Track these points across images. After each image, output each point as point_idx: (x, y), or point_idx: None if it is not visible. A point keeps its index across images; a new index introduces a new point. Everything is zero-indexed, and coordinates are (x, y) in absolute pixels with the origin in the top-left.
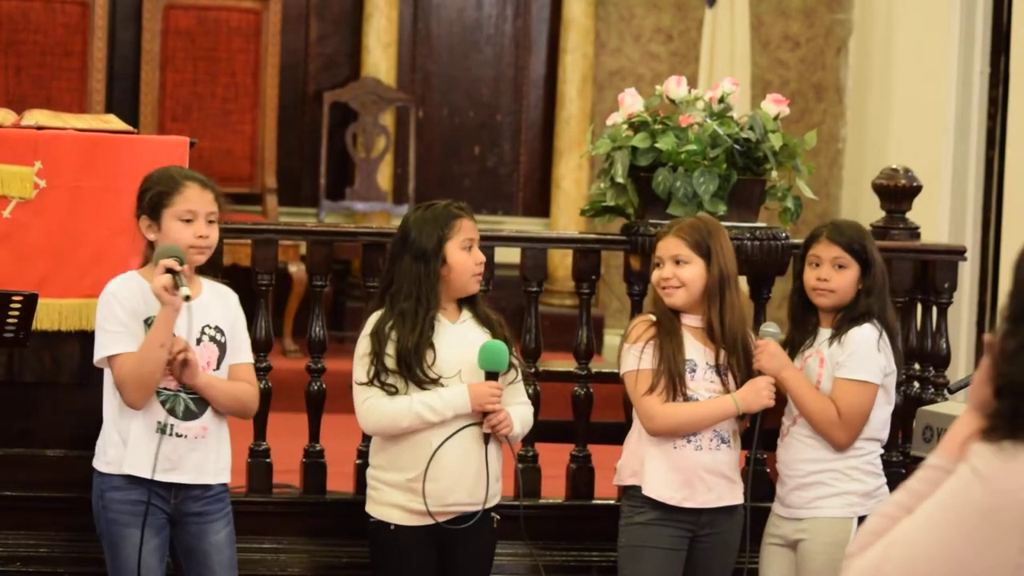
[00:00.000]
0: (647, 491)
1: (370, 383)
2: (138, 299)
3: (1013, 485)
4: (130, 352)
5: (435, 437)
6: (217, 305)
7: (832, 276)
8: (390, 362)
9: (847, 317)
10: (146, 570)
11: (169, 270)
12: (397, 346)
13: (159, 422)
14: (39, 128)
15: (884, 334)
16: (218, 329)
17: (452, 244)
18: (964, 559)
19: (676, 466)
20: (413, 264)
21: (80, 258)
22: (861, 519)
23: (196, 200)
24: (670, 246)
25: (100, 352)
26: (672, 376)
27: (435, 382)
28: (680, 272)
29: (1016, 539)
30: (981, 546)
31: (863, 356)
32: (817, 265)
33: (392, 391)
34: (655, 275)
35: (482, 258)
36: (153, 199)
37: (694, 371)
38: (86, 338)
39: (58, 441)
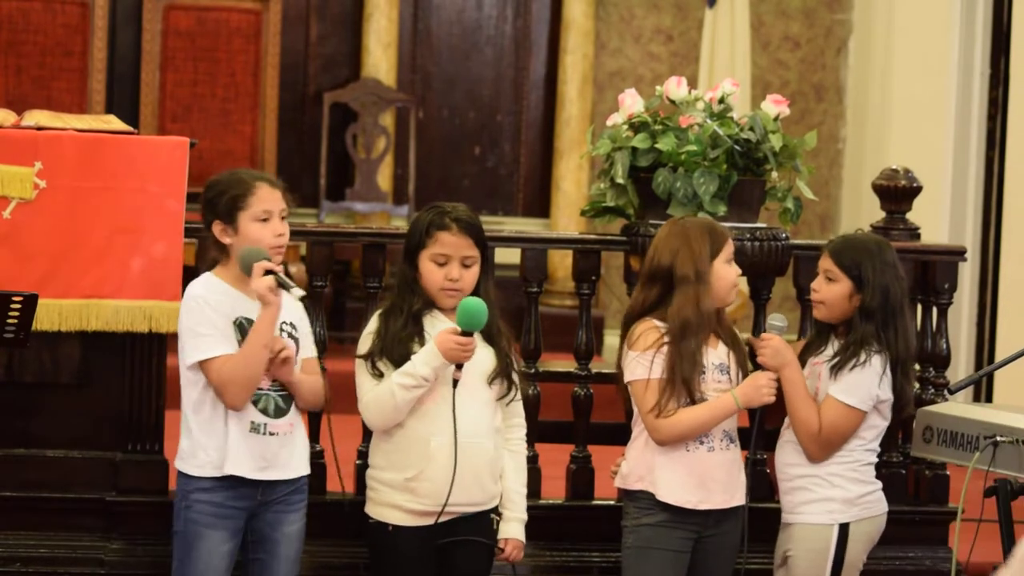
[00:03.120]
0: (663, 497)
1: (366, 359)
2: (226, 301)
3: None
4: (228, 354)
5: (432, 436)
6: (288, 302)
7: (821, 287)
8: (377, 347)
9: (849, 342)
10: (215, 572)
11: (269, 272)
12: (386, 333)
13: (252, 422)
14: (39, 129)
15: (888, 372)
16: (292, 325)
17: (424, 254)
18: None
19: (691, 469)
20: (403, 261)
21: (80, 258)
22: (844, 527)
23: (269, 199)
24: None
25: (195, 356)
26: (688, 382)
27: None
28: (738, 270)
29: None
30: None
31: (859, 382)
32: (818, 274)
33: (377, 375)
34: (734, 272)
35: (456, 275)
36: (228, 203)
37: (703, 373)
38: (86, 338)
39: (58, 441)
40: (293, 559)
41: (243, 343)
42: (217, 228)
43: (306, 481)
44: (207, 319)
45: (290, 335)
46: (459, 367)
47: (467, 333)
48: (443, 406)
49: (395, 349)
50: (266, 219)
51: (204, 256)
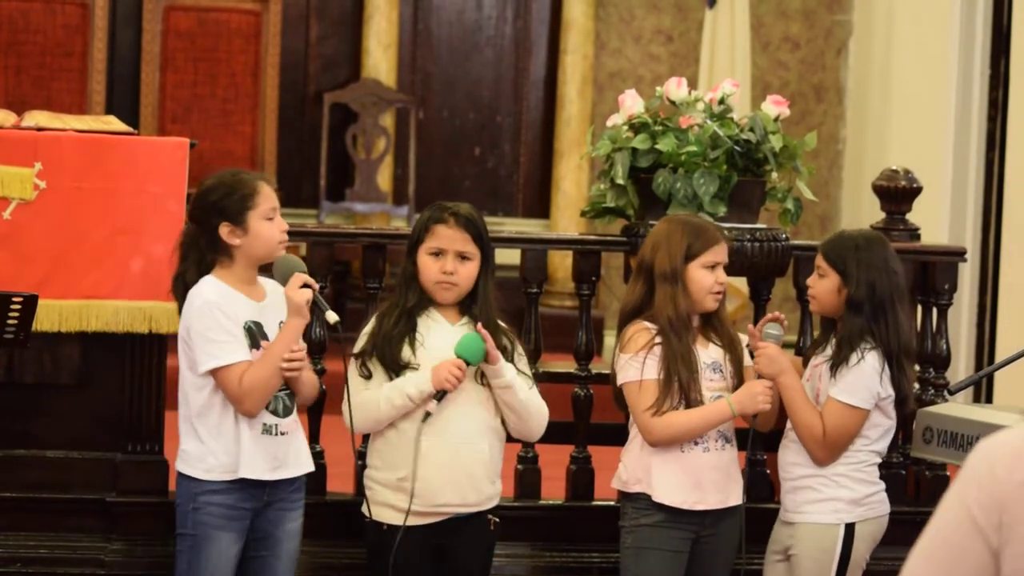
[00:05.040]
0: (659, 498)
1: (357, 357)
2: (233, 305)
3: None
4: (244, 361)
5: (424, 436)
6: (281, 302)
7: (814, 283)
8: (369, 345)
9: (840, 339)
10: (223, 574)
11: (306, 285)
12: (379, 332)
13: (264, 424)
14: (39, 129)
15: (886, 365)
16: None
17: (422, 248)
18: None
19: (686, 470)
20: (405, 259)
21: (80, 259)
22: (850, 527)
23: (272, 197)
24: (726, 251)
25: (211, 363)
26: (684, 382)
27: (407, 370)
28: (724, 278)
29: None
30: None
31: (858, 381)
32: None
33: (366, 375)
34: (710, 279)
35: (451, 268)
36: (238, 203)
37: (695, 373)
38: (86, 339)
39: (58, 442)
40: (292, 556)
41: (265, 351)
42: (225, 230)
43: (305, 479)
44: (220, 325)
45: None
46: (439, 399)
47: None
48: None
49: (385, 349)
50: (272, 217)
51: (189, 259)
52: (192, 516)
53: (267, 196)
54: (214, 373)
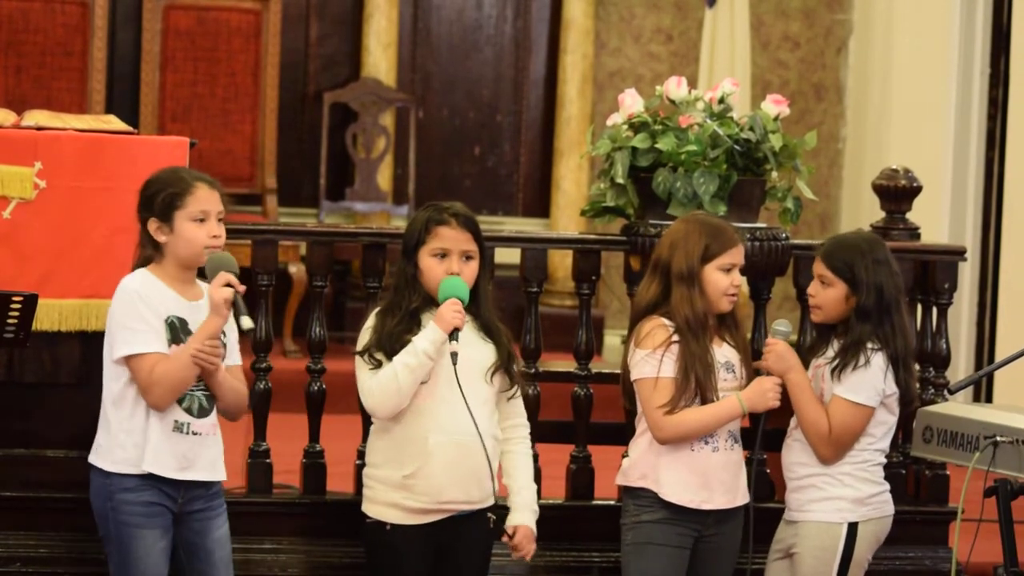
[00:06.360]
0: (666, 496)
1: (364, 352)
2: (160, 299)
3: None
4: (157, 352)
5: (429, 433)
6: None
7: (818, 292)
8: (374, 339)
9: (847, 344)
10: (156, 570)
11: (230, 285)
12: (382, 329)
13: (176, 421)
14: (39, 129)
15: (891, 367)
16: (222, 331)
17: (424, 250)
18: None
19: (695, 469)
20: (401, 260)
21: (80, 258)
22: (853, 526)
23: (207, 200)
24: (742, 253)
25: (124, 350)
26: (701, 382)
27: None
28: (739, 280)
29: None
30: None
31: (864, 379)
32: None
33: (375, 364)
34: (725, 281)
35: (457, 268)
36: (165, 201)
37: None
38: (86, 338)
39: (58, 441)
40: (228, 562)
41: (180, 346)
42: (153, 225)
43: (221, 485)
44: (139, 315)
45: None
46: (455, 338)
47: None
48: (440, 404)
49: (391, 344)
50: (202, 219)
51: (139, 253)
52: (112, 517)
53: (200, 199)
54: (128, 361)
